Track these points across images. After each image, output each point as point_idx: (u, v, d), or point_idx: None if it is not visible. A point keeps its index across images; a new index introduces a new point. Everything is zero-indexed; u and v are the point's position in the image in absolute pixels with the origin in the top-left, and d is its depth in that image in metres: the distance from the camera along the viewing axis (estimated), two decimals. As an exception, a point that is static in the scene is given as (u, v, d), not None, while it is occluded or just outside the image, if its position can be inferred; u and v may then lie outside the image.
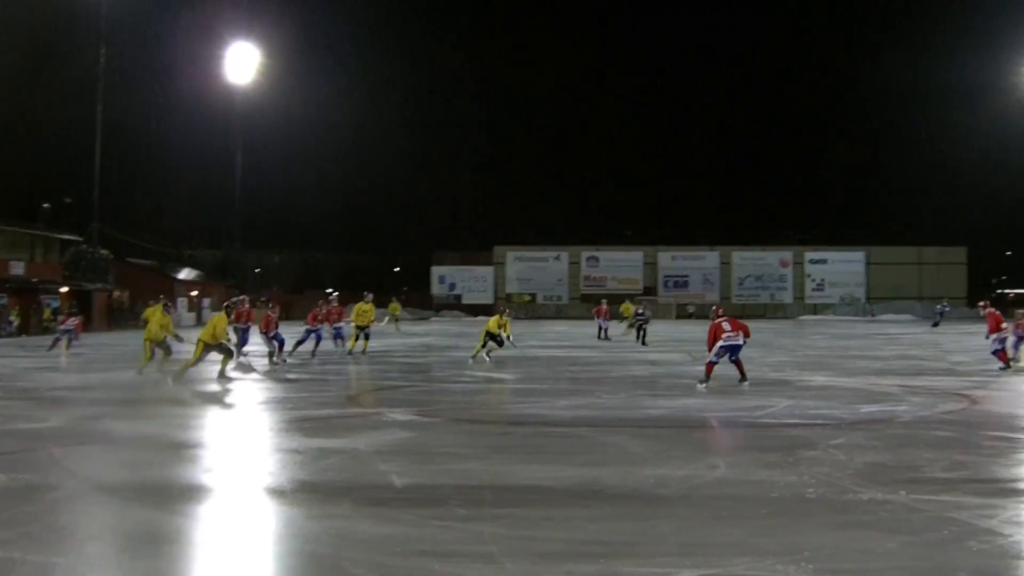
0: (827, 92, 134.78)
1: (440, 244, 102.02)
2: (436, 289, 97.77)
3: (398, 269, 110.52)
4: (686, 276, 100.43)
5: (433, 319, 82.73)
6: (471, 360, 26.09)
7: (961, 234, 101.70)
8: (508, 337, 28.80)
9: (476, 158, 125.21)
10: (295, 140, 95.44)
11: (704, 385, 19.37)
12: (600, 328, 43.04)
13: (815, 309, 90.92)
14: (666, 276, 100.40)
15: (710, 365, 19.76)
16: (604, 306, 44.23)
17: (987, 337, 24.25)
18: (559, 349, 36.62)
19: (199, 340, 21.42)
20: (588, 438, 13.52)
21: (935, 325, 58.34)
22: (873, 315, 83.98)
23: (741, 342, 19.92)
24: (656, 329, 43.83)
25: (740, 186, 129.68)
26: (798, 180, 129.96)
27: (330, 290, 30.41)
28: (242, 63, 73.01)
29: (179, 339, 23.08)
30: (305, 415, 16.06)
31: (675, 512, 8.79)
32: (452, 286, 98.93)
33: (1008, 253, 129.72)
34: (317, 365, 25.93)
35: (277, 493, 9.73)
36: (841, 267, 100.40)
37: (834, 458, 11.58)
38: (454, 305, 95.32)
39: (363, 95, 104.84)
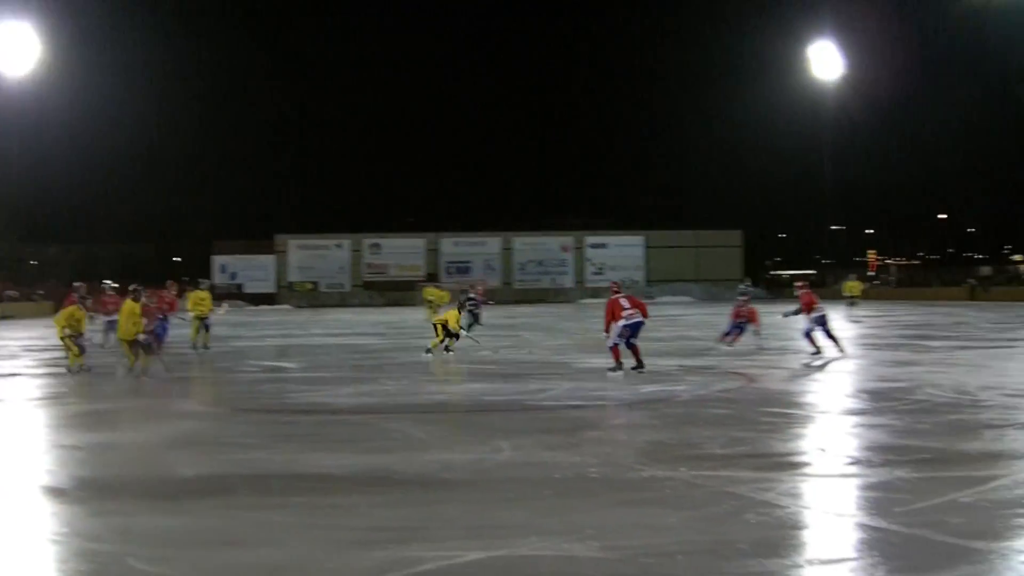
0: (603, 78, 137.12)
1: (221, 233, 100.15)
2: (217, 279, 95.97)
3: (178, 259, 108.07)
4: (468, 262, 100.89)
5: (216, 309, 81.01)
6: (427, 353, 24.48)
7: (737, 218, 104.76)
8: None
9: (256, 147, 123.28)
10: (73, 131, 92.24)
11: (619, 372, 18.54)
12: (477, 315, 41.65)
13: (595, 293, 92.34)
14: (448, 262, 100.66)
15: (614, 349, 18.87)
16: (481, 287, 43.73)
17: (788, 315, 24.26)
18: (343, 337, 36.34)
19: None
20: (373, 425, 13.45)
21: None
22: (652, 298, 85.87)
23: (641, 320, 19.05)
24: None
25: (521, 172, 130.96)
26: (578, 166, 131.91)
27: (108, 282, 29.20)
28: (17, 51, 70.22)
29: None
30: (88, 409, 15.58)
31: (462, 496, 8.79)
32: (233, 275, 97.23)
33: (782, 236, 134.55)
34: (109, 358, 25.06)
35: (56, 492, 9.34)
36: (621, 251, 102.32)
37: (616, 438, 11.78)
38: (236, 295, 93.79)
39: (142, 84, 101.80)
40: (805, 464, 10.19)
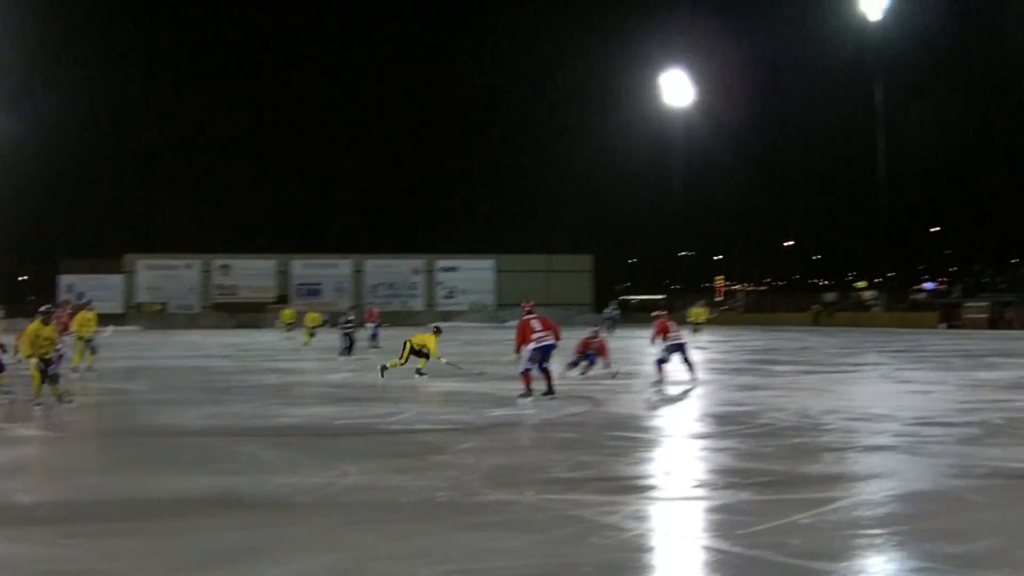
0: (456, 102, 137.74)
1: (68, 252, 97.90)
2: (63, 299, 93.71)
3: (24, 278, 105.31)
4: (319, 284, 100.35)
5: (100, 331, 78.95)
6: (383, 372, 23.53)
7: (588, 242, 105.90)
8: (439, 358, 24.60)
9: (106, 166, 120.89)
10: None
11: (528, 399, 17.92)
12: (372, 337, 40.63)
13: (447, 316, 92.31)
14: (299, 284, 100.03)
15: (526, 374, 18.20)
16: (376, 309, 43.28)
17: (652, 343, 23.29)
18: (192, 359, 35.76)
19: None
20: (221, 447, 13.25)
21: (611, 329, 57.37)
22: (502, 321, 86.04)
23: (553, 343, 18.36)
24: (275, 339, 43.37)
25: (374, 195, 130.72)
26: (430, 189, 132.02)
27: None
28: None
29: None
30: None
31: (309, 519, 8.66)
32: (81, 295, 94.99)
33: (632, 260, 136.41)
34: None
35: None
36: (471, 275, 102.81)
37: (463, 462, 11.72)
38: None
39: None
40: (650, 487, 10.27)
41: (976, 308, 64.95)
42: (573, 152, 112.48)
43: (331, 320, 41.71)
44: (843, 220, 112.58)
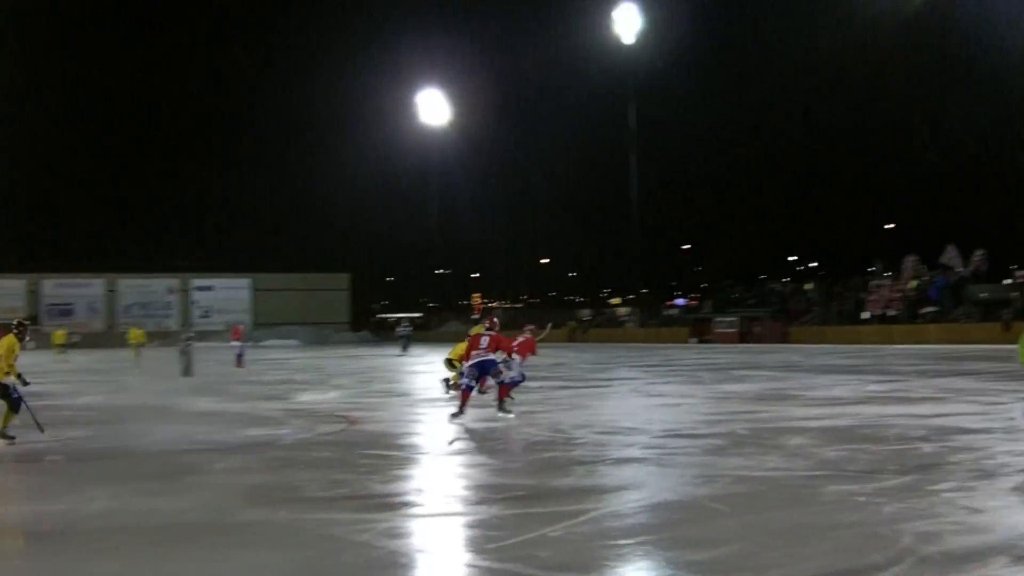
0: (207, 119, 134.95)
1: None
2: None
3: None
4: (71, 304, 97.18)
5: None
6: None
7: (345, 261, 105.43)
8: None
9: None
10: None
11: (457, 419, 17.55)
12: (239, 357, 40.00)
13: (203, 336, 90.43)
14: (50, 304, 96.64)
15: (465, 392, 17.93)
16: (242, 327, 41.71)
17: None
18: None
19: None
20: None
21: (404, 349, 56.38)
22: (259, 341, 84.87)
23: (490, 359, 17.87)
24: (37, 360, 41.73)
25: (126, 213, 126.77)
26: (184, 208, 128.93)
27: None
28: None
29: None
30: None
31: (51, 548, 8.37)
32: None
33: (389, 279, 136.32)
34: None
35: None
36: (227, 294, 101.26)
37: (216, 482, 11.52)
38: None
39: None
40: (404, 504, 10.27)
41: (726, 323, 67.32)
42: (330, 170, 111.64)
43: (171, 339, 40.47)
44: (598, 238, 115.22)
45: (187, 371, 32.93)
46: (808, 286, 72.53)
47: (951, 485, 10.23)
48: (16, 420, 15.39)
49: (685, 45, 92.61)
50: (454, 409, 18.07)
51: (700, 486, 10.66)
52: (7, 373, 15.36)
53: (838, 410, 18.27)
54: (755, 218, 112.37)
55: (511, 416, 17.72)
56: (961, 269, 60.24)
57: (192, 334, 35.01)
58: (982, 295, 57.22)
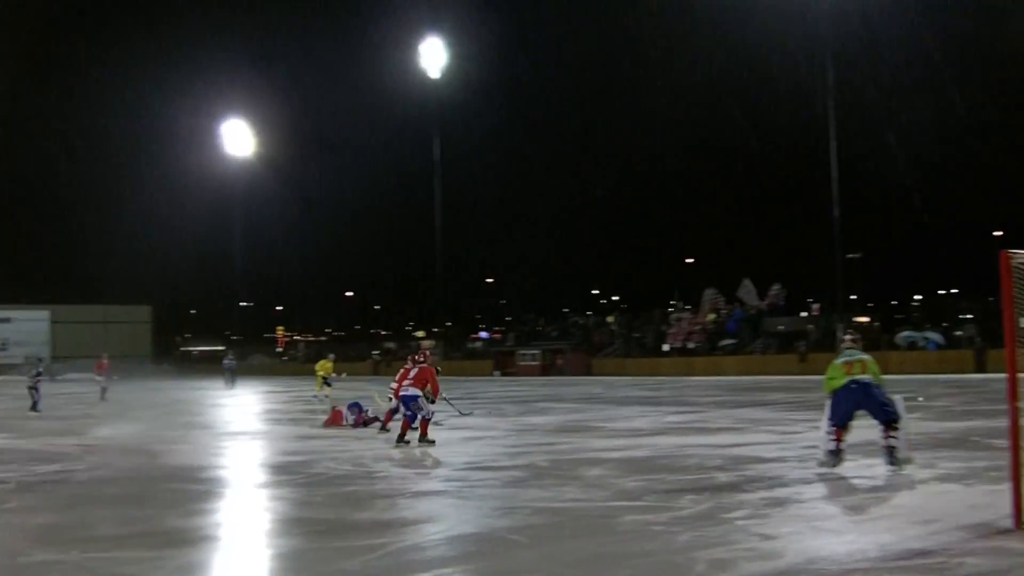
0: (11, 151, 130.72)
1: None
2: None
3: None
4: None
5: None
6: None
7: (146, 293, 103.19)
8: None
9: None
10: None
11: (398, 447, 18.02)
12: (103, 389, 38.70)
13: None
14: None
15: (404, 421, 18.71)
16: (106, 360, 39.68)
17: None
18: None
19: None
20: None
21: (230, 382, 54.58)
22: (55, 375, 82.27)
23: (413, 394, 18.56)
24: None
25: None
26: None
27: None
28: None
29: None
30: None
31: None
32: None
33: (192, 311, 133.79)
34: None
35: None
36: (25, 326, 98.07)
37: (7, 522, 11.19)
38: None
39: None
40: (201, 539, 10.13)
41: (529, 356, 67.97)
42: (132, 200, 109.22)
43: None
44: (402, 270, 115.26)
45: (34, 407, 31.62)
46: (610, 319, 73.74)
47: (745, 513, 10.57)
48: None
49: (490, 79, 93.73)
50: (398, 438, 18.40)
51: (499, 518, 10.79)
52: None
53: (637, 441, 18.66)
54: (558, 251, 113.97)
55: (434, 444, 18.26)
56: (757, 302, 62.11)
57: (40, 369, 33.63)
58: (779, 327, 59.12)
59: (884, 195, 78.52)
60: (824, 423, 13.76)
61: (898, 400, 13.63)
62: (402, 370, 19.35)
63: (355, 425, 22.02)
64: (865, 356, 13.66)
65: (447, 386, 26.05)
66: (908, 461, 13.32)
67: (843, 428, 13.51)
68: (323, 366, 37.12)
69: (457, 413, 25.09)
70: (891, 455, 13.29)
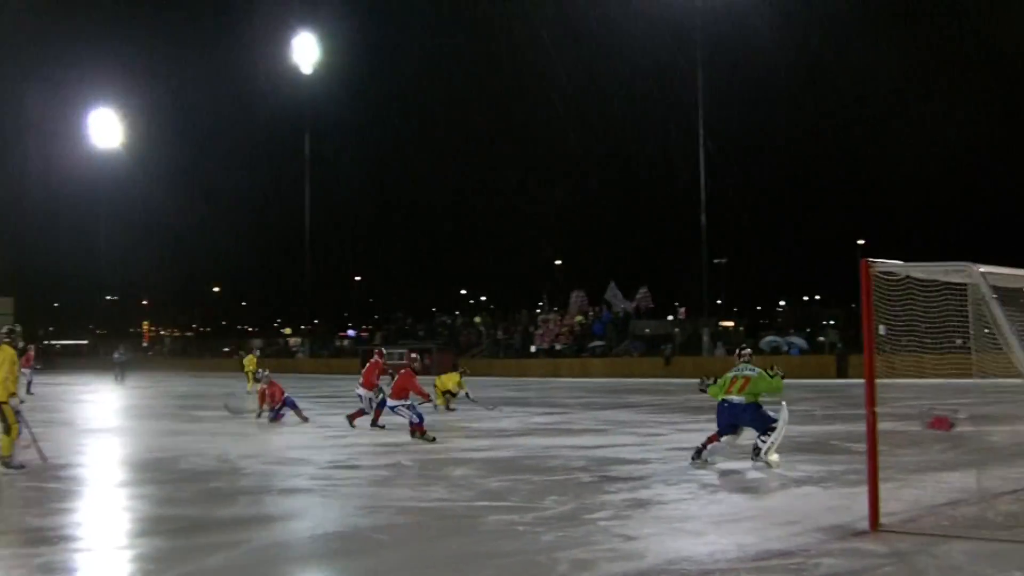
0: None
1: None
2: None
3: None
4: None
5: None
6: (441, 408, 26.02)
7: (8, 284, 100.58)
8: (467, 394, 27.44)
9: None
10: None
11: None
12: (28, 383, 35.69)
13: None
14: None
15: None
16: (31, 352, 37.85)
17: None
18: None
19: None
20: None
21: (120, 377, 53.02)
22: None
23: (392, 404, 19.15)
24: None
25: None
26: None
27: None
28: None
29: None
30: None
31: None
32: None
33: (56, 304, 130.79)
34: None
35: None
36: None
37: None
38: None
39: None
40: (63, 538, 9.91)
41: (396, 355, 67.74)
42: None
43: None
44: (271, 267, 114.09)
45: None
46: (478, 319, 73.90)
47: (608, 513, 10.69)
48: None
49: (365, 75, 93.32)
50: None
51: (364, 517, 10.79)
52: (13, 393, 14.13)
53: (503, 441, 18.75)
54: (428, 250, 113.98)
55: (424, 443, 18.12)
56: (624, 305, 62.74)
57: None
58: (645, 330, 59.81)
59: (751, 202, 79.89)
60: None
61: (782, 408, 14.28)
62: (369, 363, 20.42)
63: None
64: (751, 372, 14.25)
65: (311, 384, 25.99)
66: (775, 463, 13.91)
67: (724, 435, 14.27)
68: (250, 361, 36.83)
69: (485, 408, 26.74)
70: (756, 452, 14.08)
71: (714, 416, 14.54)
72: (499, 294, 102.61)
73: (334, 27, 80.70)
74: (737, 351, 15.28)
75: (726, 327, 65.07)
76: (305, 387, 44.79)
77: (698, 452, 14.37)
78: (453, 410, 26.53)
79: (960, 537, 8.93)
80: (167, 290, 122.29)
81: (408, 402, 18.87)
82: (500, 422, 23.28)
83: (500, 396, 35.31)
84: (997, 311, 8.87)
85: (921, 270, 9.77)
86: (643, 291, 63.39)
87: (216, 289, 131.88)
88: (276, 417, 23.15)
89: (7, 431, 14.23)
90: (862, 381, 9.53)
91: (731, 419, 14.15)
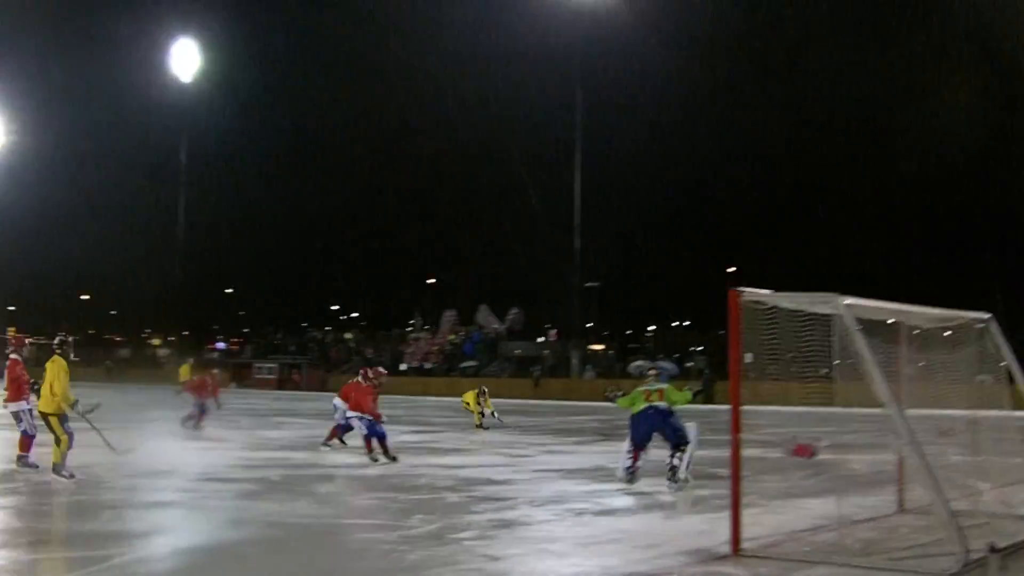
0: None
1: None
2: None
3: None
4: None
5: None
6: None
7: None
8: (493, 413, 28.48)
9: None
10: None
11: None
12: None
13: None
14: None
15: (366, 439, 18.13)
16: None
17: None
18: None
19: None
20: None
21: None
22: None
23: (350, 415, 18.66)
24: None
25: None
26: None
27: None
28: None
29: None
30: None
31: None
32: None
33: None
34: None
35: None
36: None
37: None
38: None
39: None
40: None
41: (266, 369, 67.19)
42: None
43: None
44: (142, 276, 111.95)
45: None
46: (348, 335, 73.60)
47: (473, 533, 10.72)
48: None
49: (245, 84, 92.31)
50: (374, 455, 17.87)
51: (230, 530, 10.68)
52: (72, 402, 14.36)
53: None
54: (300, 264, 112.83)
55: (382, 462, 17.51)
56: (496, 326, 62.99)
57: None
58: (516, 352, 60.09)
59: (623, 227, 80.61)
60: (625, 444, 14.67)
61: (692, 427, 14.62)
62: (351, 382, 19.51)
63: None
64: (664, 386, 14.58)
65: (180, 396, 25.71)
66: (687, 481, 14.24)
67: (642, 448, 14.51)
68: (184, 370, 36.27)
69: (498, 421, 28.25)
70: (673, 474, 14.29)
71: (583, 439, 14.68)
72: (371, 311, 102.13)
73: (217, 35, 79.91)
74: (646, 370, 15.40)
75: (596, 350, 65.57)
76: (173, 398, 44.18)
77: (630, 471, 14.49)
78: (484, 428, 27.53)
79: (819, 563, 9.12)
80: (34, 295, 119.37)
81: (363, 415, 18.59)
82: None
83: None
84: (860, 342, 9.09)
85: (788, 300, 9.98)
86: (515, 312, 63.72)
87: (85, 296, 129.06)
88: (201, 415, 24.21)
89: (57, 442, 14.36)
90: (728, 407, 9.70)
91: (652, 427, 14.38)
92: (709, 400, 44.81)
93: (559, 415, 37.79)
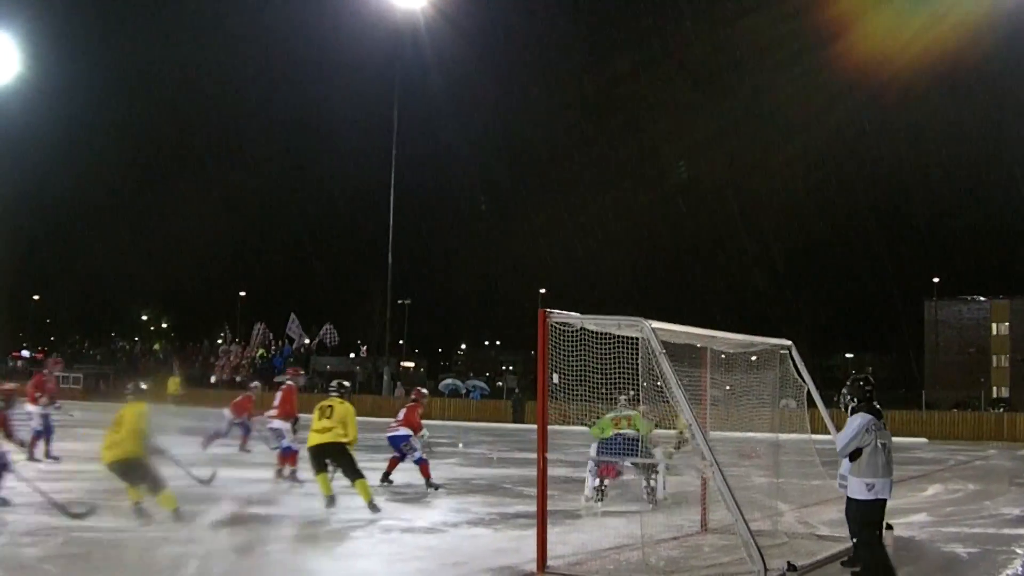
0: None
1: None
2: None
3: None
4: None
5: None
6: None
7: None
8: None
9: None
10: None
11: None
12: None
13: None
14: None
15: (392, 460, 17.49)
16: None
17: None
18: None
19: None
20: None
21: None
22: None
23: (399, 433, 17.36)
24: None
25: None
26: None
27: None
28: None
29: None
30: None
31: None
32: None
33: None
34: None
35: None
36: None
37: None
38: None
39: None
40: None
41: (72, 379, 65.39)
42: None
43: None
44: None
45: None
46: (157, 346, 72.19)
47: (281, 547, 10.84)
48: None
49: (73, 82, 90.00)
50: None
51: (29, 546, 10.39)
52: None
53: (175, 471, 18.28)
54: (110, 271, 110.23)
55: (440, 489, 16.52)
56: (306, 341, 62.54)
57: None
58: (327, 367, 59.68)
59: (435, 246, 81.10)
60: (589, 465, 14.90)
61: (658, 452, 14.84)
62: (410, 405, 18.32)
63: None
64: (633, 412, 14.43)
65: None
66: (665, 500, 14.42)
67: (608, 472, 14.88)
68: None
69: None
70: (651, 493, 14.62)
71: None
72: (182, 321, 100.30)
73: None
74: (620, 395, 15.35)
75: (407, 367, 65.61)
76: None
77: (597, 490, 14.76)
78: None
79: (622, 581, 9.32)
80: None
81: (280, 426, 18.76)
82: (172, 450, 22.71)
83: (180, 425, 34.54)
84: (665, 365, 9.31)
85: (595, 323, 10.18)
86: (326, 327, 63.33)
87: None
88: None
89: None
90: (536, 427, 9.83)
91: (620, 454, 14.41)
92: (519, 419, 45.29)
93: (367, 431, 37.59)
